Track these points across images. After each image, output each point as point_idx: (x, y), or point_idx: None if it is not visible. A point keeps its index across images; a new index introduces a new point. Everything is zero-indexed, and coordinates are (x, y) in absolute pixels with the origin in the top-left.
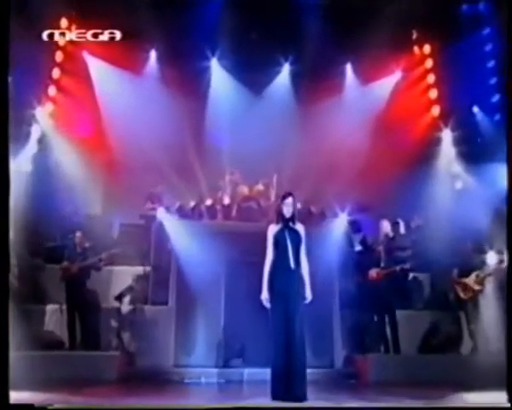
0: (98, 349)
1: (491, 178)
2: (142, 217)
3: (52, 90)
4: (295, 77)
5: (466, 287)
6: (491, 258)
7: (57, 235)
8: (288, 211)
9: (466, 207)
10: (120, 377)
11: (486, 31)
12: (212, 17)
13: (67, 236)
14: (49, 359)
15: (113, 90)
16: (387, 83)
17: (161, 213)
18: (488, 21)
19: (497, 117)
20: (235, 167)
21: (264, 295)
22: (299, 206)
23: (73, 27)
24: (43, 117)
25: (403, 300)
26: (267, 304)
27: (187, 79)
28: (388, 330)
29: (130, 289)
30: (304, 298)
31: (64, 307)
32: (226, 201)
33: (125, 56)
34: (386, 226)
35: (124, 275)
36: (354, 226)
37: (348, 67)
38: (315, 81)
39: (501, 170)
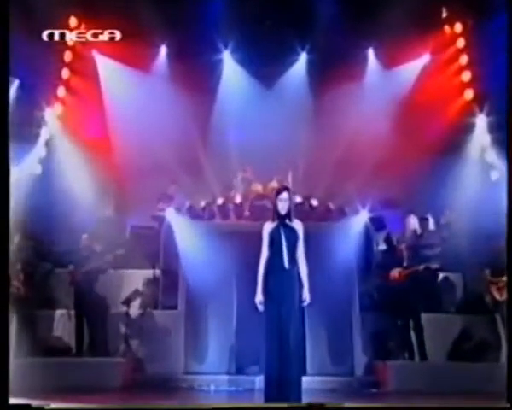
0: (106, 355)
1: None
2: (154, 218)
3: (61, 91)
4: (312, 66)
5: (502, 287)
6: None
7: (65, 239)
8: (283, 207)
9: (501, 200)
10: (128, 384)
11: None
12: (223, 7)
13: (75, 239)
14: (54, 365)
15: (123, 89)
16: (414, 67)
17: (171, 214)
18: None
19: None
20: (248, 164)
21: (258, 298)
22: (315, 203)
23: (83, 26)
24: (52, 118)
25: (430, 302)
26: (261, 307)
27: (198, 75)
28: (413, 335)
29: (137, 293)
30: (301, 300)
31: (72, 312)
32: (238, 199)
33: (135, 53)
34: (413, 223)
35: (134, 279)
36: (377, 223)
37: (370, 52)
38: (333, 69)
39: None
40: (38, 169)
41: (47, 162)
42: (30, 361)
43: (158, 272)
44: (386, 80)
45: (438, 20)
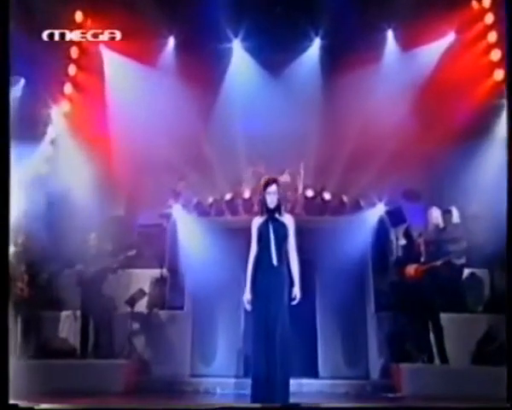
0: (111, 357)
1: None
2: (161, 216)
3: (68, 88)
4: (326, 52)
5: None
6: None
7: (73, 238)
8: (271, 201)
9: None
10: (132, 386)
11: None
12: None
13: (83, 239)
14: (59, 367)
15: (129, 85)
16: (437, 47)
17: (177, 211)
18: None
19: None
20: (258, 157)
21: (247, 297)
22: (328, 196)
23: (89, 21)
24: (59, 116)
25: (452, 300)
26: (248, 307)
27: (206, 67)
28: (432, 336)
29: (141, 292)
30: (291, 298)
31: (78, 313)
32: (247, 194)
33: (142, 47)
34: (435, 215)
35: (140, 278)
36: (396, 217)
37: (389, 34)
38: (348, 54)
39: None
40: (45, 168)
41: (53, 161)
42: (34, 363)
43: (165, 271)
44: (406, 63)
45: None
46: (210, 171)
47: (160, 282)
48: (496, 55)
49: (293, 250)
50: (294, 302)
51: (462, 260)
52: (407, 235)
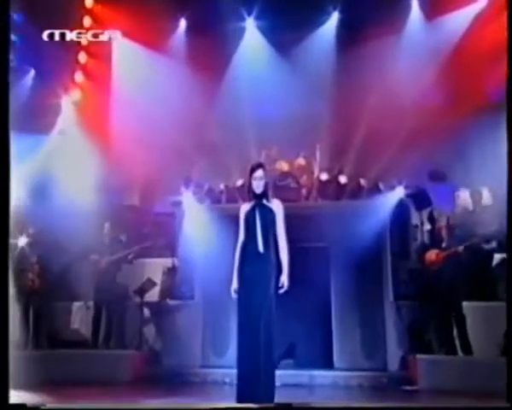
0: (122, 347)
1: None
2: (173, 204)
3: (79, 77)
4: (344, 27)
5: None
6: None
7: (86, 229)
8: (258, 186)
9: None
10: (142, 377)
11: None
12: None
13: (97, 229)
14: (69, 357)
15: (139, 71)
16: (466, 14)
17: (188, 199)
18: None
19: None
20: (272, 141)
21: (234, 285)
22: (344, 180)
23: (99, 7)
24: (70, 105)
25: (479, 288)
26: (234, 296)
27: (217, 49)
28: (454, 326)
29: (150, 282)
30: (278, 287)
31: (90, 303)
32: None
33: (153, 31)
34: (463, 197)
35: (152, 268)
36: (420, 200)
37: (414, 3)
38: (368, 28)
39: None
40: (56, 158)
41: (64, 151)
42: (45, 353)
43: (176, 260)
44: (431, 33)
45: None
46: (221, 156)
47: (171, 271)
48: None
49: (282, 237)
50: (282, 291)
51: (492, 245)
52: (431, 219)
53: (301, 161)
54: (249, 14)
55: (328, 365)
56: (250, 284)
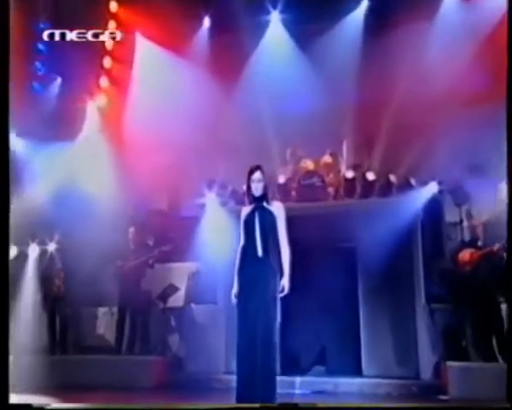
0: (146, 353)
1: None
2: (196, 206)
3: (104, 82)
4: (373, 14)
5: None
6: None
7: (111, 233)
8: (256, 188)
9: None
10: (165, 383)
11: None
12: None
13: (122, 234)
14: (92, 363)
15: (162, 73)
16: None
17: (211, 201)
18: None
19: None
20: (296, 139)
21: (234, 290)
22: (372, 177)
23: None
24: (95, 111)
25: None
26: (234, 301)
27: (240, 47)
28: (494, 331)
29: (172, 287)
30: (278, 291)
31: (114, 309)
32: (282, 180)
33: (177, 32)
34: (502, 192)
35: (176, 272)
36: (457, 195)
37: None
38: (399, 13)
39: None
40: (82, 164)
41: (89, 156)
42: (69, 359)
43: (199, 264)
44: (468, 14)
45: None
46: (245, 156)
47: (195, 276)
48: None
49: (283, 240)
50: (281, 295)
51: None
52: (469, 215)
53: (327, 158)
54: (274, 8)
55: (357, 372)
56: (249, 288)
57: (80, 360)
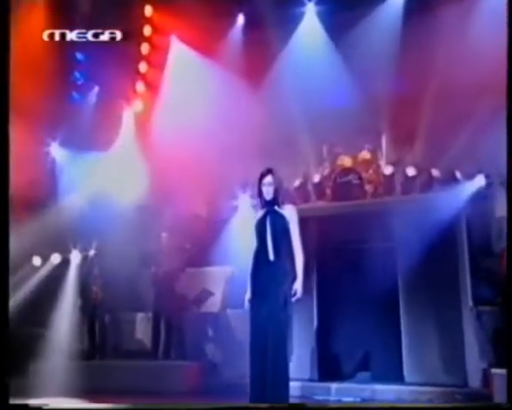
0: (181, 358)
1: None
2: (231, 209)
3: (140, 87)
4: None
5: None
6: None
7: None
8: (267, 192)
9: None
10: (200, 388)
11: None
12: None
13: (157, 239)
14: (127, 368)
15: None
16: None
17: (244, 203)
18: None
19: None
20: (333, 135)
21: (247, 295)
22: (412, 172)
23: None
24: (132, 117)
25: None
26: (247, 305)
27: (273, 42)
28: None
29: (206, 292)
30: (290, 295)
31: (150, 314)
32: (316, 179)
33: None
34: None
35: (211, 277)
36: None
37: None
38: None
39: None
40: (118, 171)
41: (126, 163)
42: (106, 364)
43: (233, 268)
44: None
45: None
46: (279, 156)
47: (230, 280)
48: None
49: (297, 243)
50: (294, 299)
51: None
52: None
53: (365, 154)
54: None
55: (399, 379)
56: (261, 292)
57: (117, 365)
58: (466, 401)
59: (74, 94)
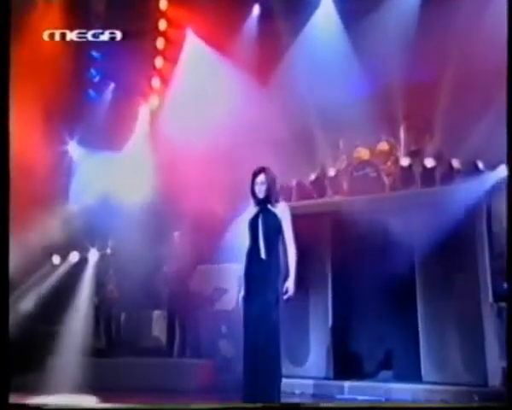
0: (197, 356)
1: None
2: (243, 207)
3: (156, 82)
4: None
5: None
6: None
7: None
8: (259, 190)
9: None
10: (215, 386)
11: None
12: None
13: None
14: (142, 366)
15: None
16: None
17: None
18: None
19: None
20: (349, 127)
21: (241, 293)
22: (431, 163)
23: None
24: (148, 114)
25: None
26: (241, 303)
27: (288, 32)
28: None
29: (218, 290)
30: (281, 292)
31: (165, 312)
32: (332, 172)
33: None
34: None
35: (224, 274)
36: None
37: None
38: None
39: None
40: (133, 170)
41: (141, 161)
42: (121, 361)
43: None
44: None
45: None
46: (294, 150)
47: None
48: None
49: (290, 240)
50: (286, 296)
51: None
52: None
53: (383, 145)
54: None
55: (417, 378)
56: (253, 290)
57: (132, 362)
58: (484, 401)
59: (91, 91)
